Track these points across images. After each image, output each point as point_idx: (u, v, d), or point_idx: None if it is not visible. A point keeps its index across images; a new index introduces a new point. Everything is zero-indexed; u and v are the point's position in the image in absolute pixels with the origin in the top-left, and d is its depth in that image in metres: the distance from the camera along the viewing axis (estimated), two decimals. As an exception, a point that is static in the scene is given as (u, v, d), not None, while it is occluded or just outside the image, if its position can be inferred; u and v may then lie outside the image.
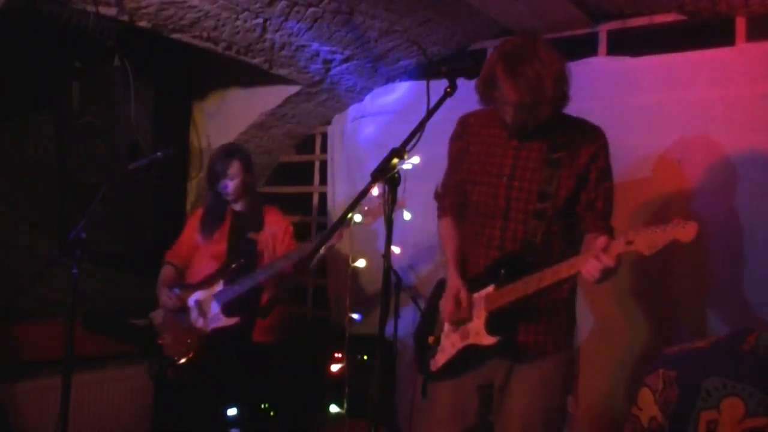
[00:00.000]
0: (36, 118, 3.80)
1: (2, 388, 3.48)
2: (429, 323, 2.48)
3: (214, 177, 3.42)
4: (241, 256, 3.39)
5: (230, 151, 3.46)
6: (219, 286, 3.35)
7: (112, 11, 3.09)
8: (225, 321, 3.31)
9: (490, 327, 2.22)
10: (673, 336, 3.16)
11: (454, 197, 2.46)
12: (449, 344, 2.33)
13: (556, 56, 2.09)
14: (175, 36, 3.38)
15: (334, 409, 3.74)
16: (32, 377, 3.59)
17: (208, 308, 3.35)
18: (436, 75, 2.04)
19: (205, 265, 3.45)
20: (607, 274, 1.98)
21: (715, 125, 3.14)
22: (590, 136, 2.24)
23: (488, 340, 2.21)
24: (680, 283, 3.17)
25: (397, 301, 3.58)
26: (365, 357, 3.81)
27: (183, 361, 3.33)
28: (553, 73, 2.06)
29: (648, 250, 1.90)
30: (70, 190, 3.55)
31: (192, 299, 3.39)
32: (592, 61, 3.51)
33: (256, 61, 3.72)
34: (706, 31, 3.25)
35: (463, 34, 3.79)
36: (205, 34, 3.40)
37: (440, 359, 2.34)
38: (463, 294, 2.26)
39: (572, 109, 2.25)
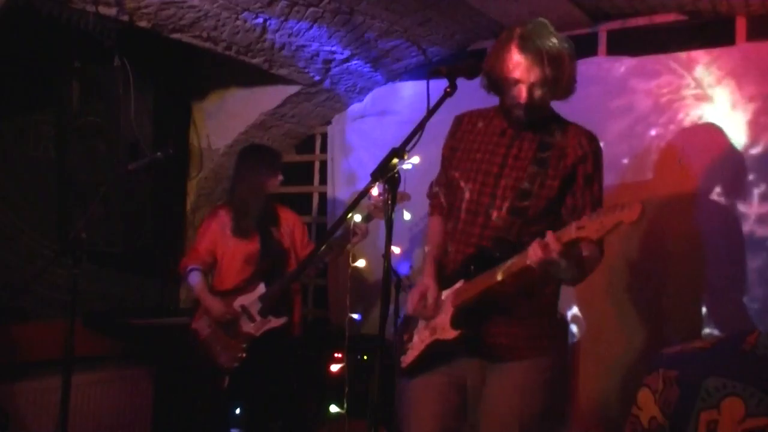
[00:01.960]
0: (36, 118, 3.80)
1: (2, 388, 3.48)
2: (408, 323, 2.44)
3: (273, 173, 3.50)
4: (273, 256, 3.45)
5: (272, 148, 3.63)
6: (260, 288, 3.38)
7: (112, 11, 3.09)
8: (275, 322, 3.37)
9: (454, 321, 2.16)
10: (667, 336, 3.16)
11: (444, 196, 2.44)
12: (419, 341, 2.29)
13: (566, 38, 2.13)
14: (175, 36, 3.38)
15: (334, 409, 3.74)
16: (32, 377, 3.59)
17: (255, 311, 3.37)
18: (436, 75, 2.03)
19: (238, 269, 3.45)
20: (550, 261, 1.90)
21: (716, 125, 3.14)
22: (581, 139, 2.18)
23: (450, 333, 2.16)
24: (676, 283, 3.17)
25: (397, 301, 3.58)
26: (365, 357, 3.80)
27: (239, 367, 3.35)
28: (569, 50, 2.08)
29: (596, 234, 1.84)
30: (70, 190, 3.55)
31: (237, 304, 3.39)
32: (592, 61, 3.51)
33: (256, 61, 3.72)
34: (706, 31, 3.25)
35: (463, 34, 3.79)
36: (205, 34, 3.40)
37: (410, 355, 2.31)
38: (431, 292, 2.23)
39: (571, 108, 2.24)
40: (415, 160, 3.92)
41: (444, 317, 2.20)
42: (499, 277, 2.03)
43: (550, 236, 1.89)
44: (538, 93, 2.09)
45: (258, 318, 3.37)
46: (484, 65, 2.17)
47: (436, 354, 2.23)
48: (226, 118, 4.41)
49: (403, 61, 4.03)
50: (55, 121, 3.70)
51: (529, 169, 2.16)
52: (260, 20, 3.32)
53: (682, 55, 3.27)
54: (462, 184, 2.27)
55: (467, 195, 2.25)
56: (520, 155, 2.20)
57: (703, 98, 3.19)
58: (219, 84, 4.43)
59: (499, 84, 2.16)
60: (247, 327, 3.38)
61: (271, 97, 4.20)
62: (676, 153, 3.23)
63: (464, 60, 3.93)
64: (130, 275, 4.21)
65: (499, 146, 2.24)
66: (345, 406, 3.55)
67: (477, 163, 2.25)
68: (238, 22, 3.33)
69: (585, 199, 2.16)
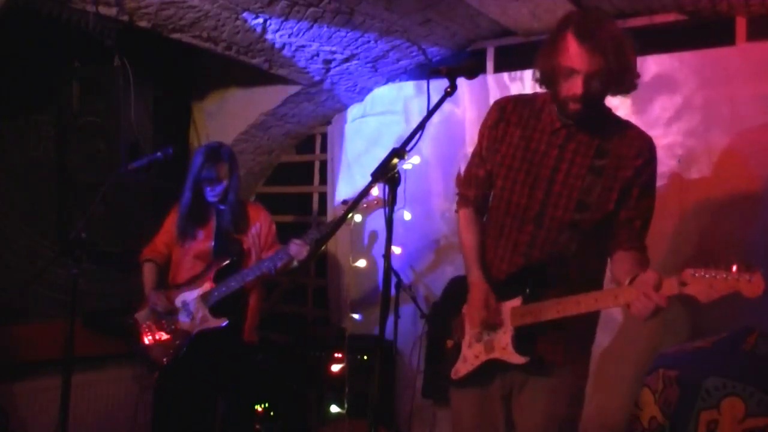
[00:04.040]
0: (36, 118, 3.80)
1: (2, 388, 3.48)
2: (445, 324, 2.33)
3: (201, 181, 3.32)
4: (228, 255, 3.34)
5: (219, 155, 3.34)
6: (206, 287, 3.30)
7: (112, 11, 3.09)
8: (213, 322, 3.26)
9: (519, 346, 2.07)
10: (668, 337, 3.16)
11: (479, 189, 2.27)
12: (472, 355, 2.17)
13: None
14: (175, 36, 3.38)
15: (334, 409, 3.74)
16: (32, 377, 3.59)
17: (195, 309, 3.30)
18: (436, 75, 2.02)
19: (189, 265, 3.38)
20: (657, 313, 1.81)
21: (716, 125, 3.14)
22: (639, 147, 2.03)
23: (518, 359, 2.06)
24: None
25: (397, 301, 3.58)
26: (365, 357, 3.80)
27: (169, 363, 3.28)
28: (631, 41, 1.93)
29: (705, 299, 1.71)
30: (70, 190, 3.55)
31: (179, 300, 3.33)
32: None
33: (256, 61, 3.72)
34: (706, 31, 3.25)
35: (463, 34, 3.79)
36: (205, 34, 3.40)
37: (461, 369, 2.20)
38: (492, 299, 2.10)
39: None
40: (416, 160, 3.93)
41: (504, 336, 2.09)
42: (580, 311, 1.94)
43: (654, 293, 1.76)
44: (596, 85, 1.92)
45: (198, 315, 3.28)
46: (537, 55, 2.04)
47: (491, 370, 2.15)
48: (226, 118, 4.41)
49: (403, 61, 4.03)
50: (55, 121, 3.70)
51: (586, 178, 2.02)
52: (260, 20, 3.32)
53: (682, 55, 3.27)
54: (509, 184, 2.13)
55: (514, 198, 2.12)
56: (575, 160, 2.05)
57: (701, 98, 3.19)
58: (219, 84, 4.43)
59: (553, 75, 1.99)
60: (184, 324, 3.31)
61: (271, 97, 4.21)
62: (676, 152, 3.23)
63: (464, 60, 3.93)
64: (130, 275, 4.20)
65: (551, 146, 2.09)
66: (345, 406, 3.56)
67: (526, 163, 2.11)
68: (238, 22, 3.33)
69: (638, 211, 2.05)
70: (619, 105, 3.39)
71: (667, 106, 3.28)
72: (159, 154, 2.93)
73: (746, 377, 2.24)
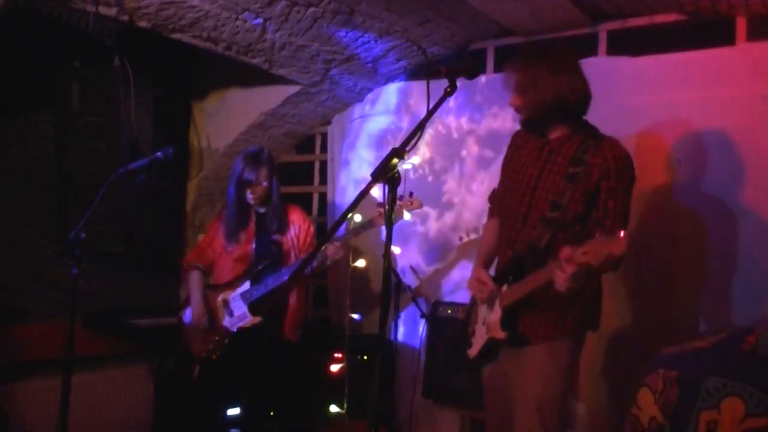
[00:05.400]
0: (36, 118, 3.80)
1: (2, 388, 3.48)
2: (468, 318, 2.71)
3: (242, 185, 3.42)
4: (268, 257, 3.46)
5: (258, 159, 3.46)
6: (245, 286, 3.44)
7: (112, 11, 3.09)
8: (251, 320, 3.40)
9: (503, 322, 2.44)
10: (667, 336, 3.16)
11: (498, 202, 2.69)
12: (479, 337, 2.56)
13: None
14: (175, 36, 3.38)
15: (334, 409, 3.74)
16: (32, 377, 3.59)
17: (235, 307, 3.45)
18: (436, 75, 2.04)
19: (229, 267, 3.52)
20: (574, 280, 2.11)
21: (715, 125, 3.14)
22: (605, 156, 2.34)
23: (500, 334, 2.44)
24: (678, 280, 3.16)
25: (397, 302, 3.58)
26: (365, 357, 3.80)
27: (210, 358, 3.40)
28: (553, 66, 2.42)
29: (595, 262, 2.00)
30: (70, 190, 3.55)
31: (220, 298, 3.49)
32: (592, 61, 3.50)
33: (256, 61, 3.72)
34: (706, 31, 3.25)
35: (463, 34, 3.79)
36: (205, 34, 3.41)
37: (474, 350, 2.59)
38: (485, 278, 2.50)
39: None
40: (415, 160, 3.94)
41: (495, 317, 2.47)
42: (536, 286, 2.30)
43: (566, 264, 2.08)
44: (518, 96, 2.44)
45: (238, 314, 3.44)
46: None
47: (492, 348, 2.52)
48: (226, 118, 4.41)
49: (403, 61, 4.03)
50: (55, 121, 3.70)
51: (561, 183, 2.37)
52: (260, 20, 3.32)
53: (682, 55, 3.27)
54: (509, 193, 2.55)
55: (510, 203, 2.54)
56: (553, 169, 2.43)
57: (701, 98, 3.19)
58: (219, 84, 4.43)
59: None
60: (224, 321, 3.47)
61: (271, 97, 4.21)
62: (676, 152, 3.23)
63: (464, 60, 3.93)
64: (130, 275, 4.21)
65: (538, 160, 2.49)
66: (345, 406, 3.56)
67: (520, 175, 2.52)
68: (238, 22, 3.33)
69: (607, 212, 2.33)
70: (618, 106, 3.40)
71: (667, 107, 3.28)
72: (159, 154, 2.93)
73: (746, 377, 2.24)
